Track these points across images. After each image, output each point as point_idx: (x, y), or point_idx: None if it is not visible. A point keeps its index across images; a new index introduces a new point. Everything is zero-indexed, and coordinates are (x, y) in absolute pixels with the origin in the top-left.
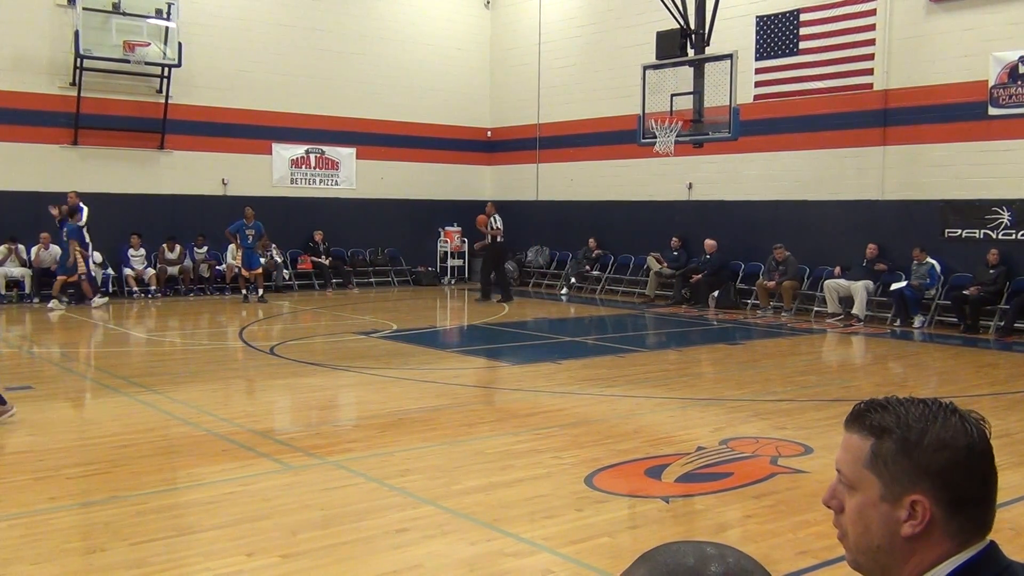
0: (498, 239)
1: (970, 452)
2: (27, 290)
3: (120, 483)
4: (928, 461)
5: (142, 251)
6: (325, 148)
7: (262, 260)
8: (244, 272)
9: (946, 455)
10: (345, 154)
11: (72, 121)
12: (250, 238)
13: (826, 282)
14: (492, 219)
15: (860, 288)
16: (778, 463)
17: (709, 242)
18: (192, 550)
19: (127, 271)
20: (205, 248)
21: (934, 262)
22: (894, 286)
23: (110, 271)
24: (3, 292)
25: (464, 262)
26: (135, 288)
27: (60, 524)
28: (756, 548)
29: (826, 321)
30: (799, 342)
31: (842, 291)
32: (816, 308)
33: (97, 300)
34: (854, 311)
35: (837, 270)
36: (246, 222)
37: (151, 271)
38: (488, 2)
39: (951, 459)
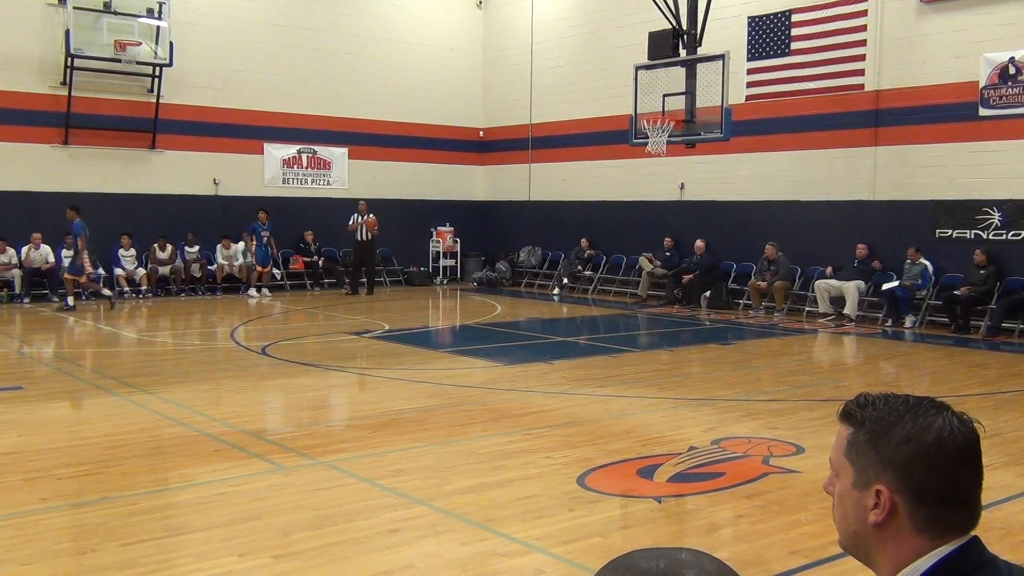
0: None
1: (937, 448)
2: (17, 290)
3: (111, 484)
4: (891, 453)
5: (133, 251)
6: (317, 148)
7: (82, 265)
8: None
9: (909, 448)
10: (337, 154)
11: (63, 121)
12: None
13: (817, 282)
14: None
15: (851, 288)
16: (770, 463)
17: (698, 243)
18: (184, 551)
19: (118, 271)
20: (196, 248)
21: (927, 263)
22: (885, 286)
23: (101, 271)
24: None
25: (456, 262)
26: (126, 288)
27: (51, 525)
28: (748, 548)
29: (817, 321)
30: (791, 342)
31: (833, 291)
32: (808, 308)
33: (259, 293)
34: (845, 311)
35: (828, 270)
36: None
37: (142, 271)
38: (480, 2)
39: (914, 453)
